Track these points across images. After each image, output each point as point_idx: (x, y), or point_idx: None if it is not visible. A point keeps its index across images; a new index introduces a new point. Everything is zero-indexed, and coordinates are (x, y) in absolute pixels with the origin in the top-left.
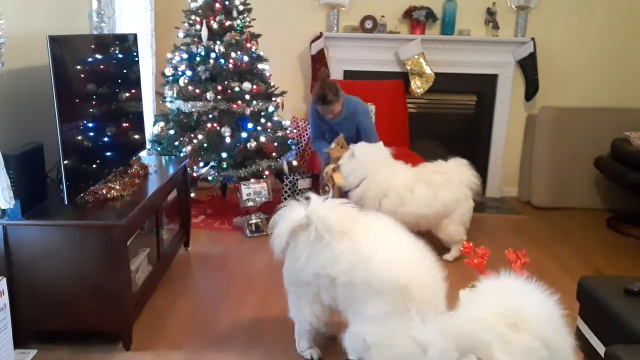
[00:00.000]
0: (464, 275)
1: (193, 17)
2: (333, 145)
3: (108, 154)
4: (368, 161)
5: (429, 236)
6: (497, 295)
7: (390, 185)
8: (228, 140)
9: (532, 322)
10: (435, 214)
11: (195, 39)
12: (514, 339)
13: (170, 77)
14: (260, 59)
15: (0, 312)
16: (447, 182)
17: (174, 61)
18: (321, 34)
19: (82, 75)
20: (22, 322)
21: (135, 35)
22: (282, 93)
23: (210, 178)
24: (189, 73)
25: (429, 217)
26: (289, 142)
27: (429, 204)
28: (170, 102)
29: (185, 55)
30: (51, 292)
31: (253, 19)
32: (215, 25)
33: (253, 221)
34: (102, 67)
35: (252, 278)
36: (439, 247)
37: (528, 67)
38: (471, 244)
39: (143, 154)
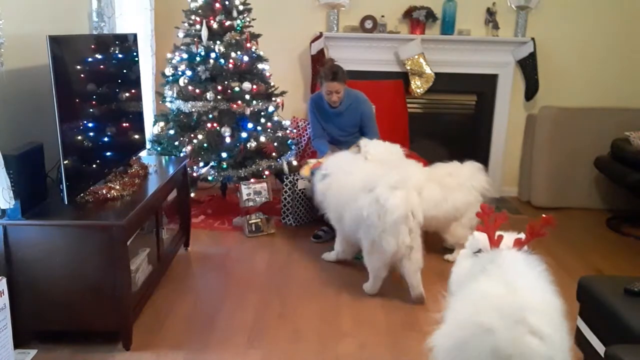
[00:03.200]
0: None
1: (193, 17)
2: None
3: (108, 153)
4: (384, 161)
5: (432, 236)
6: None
7: None
8: (228, 140)
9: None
10: (445, 216)
11: (195, 39)
12: None
13: (170, 77)
14: (260, 59)
15: (0, 312)
16: (459, 186)
17: (174, 61)
18: (321, 34)
19: (82, 75)
20: (22, 322)
21: (135, 35)
22: (282, 93)
23: (210, 178)
24: (189, 73)
25: (439, 218)
26: (289, 142)
27: (438, 205)
28: (170, 102)
29: (185, 55)
30: (51, 292)
31: (253, 19)
32: (215, 25)
33: (253, 221)
34: (102, 67)
35: (252, 278)
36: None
37: (528, 67)
38: (492, 208)
39: (143, 153)
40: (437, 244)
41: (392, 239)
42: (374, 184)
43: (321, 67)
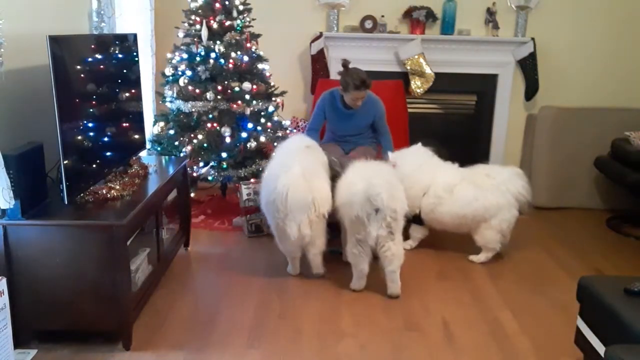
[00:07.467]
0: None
1: (193, 17)
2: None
3: (108, 153)
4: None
5: (435, 235)
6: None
7: (431, 185)
8: (228, 140)
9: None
10: (474, 215)
11: (195, 39)
12: None
13: (170, 77)
14: (260, 59)
15: (0, 312)
16: (494, 187)
17: (174, 61)
18: (321, 33)
19: (82, 75)
20: (22, 322)
21: (135, 35)
22: (282, 93)
23: (210, 178)
24: (189, 73)
25: (468, 217)
26: None
27: (470, 203)
28: (170, 102)
29: (185, 55)
30: (51, 292)
31: (253, 19)
32: (215, 25)
33: (253, 221)
34: (102, 67)
35: (252, 278)
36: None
37: (528, 67)
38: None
39: (143, 153)
40: (437, 244)
41: (294, 225)
42: (281, 171)
43: (321, 68)
